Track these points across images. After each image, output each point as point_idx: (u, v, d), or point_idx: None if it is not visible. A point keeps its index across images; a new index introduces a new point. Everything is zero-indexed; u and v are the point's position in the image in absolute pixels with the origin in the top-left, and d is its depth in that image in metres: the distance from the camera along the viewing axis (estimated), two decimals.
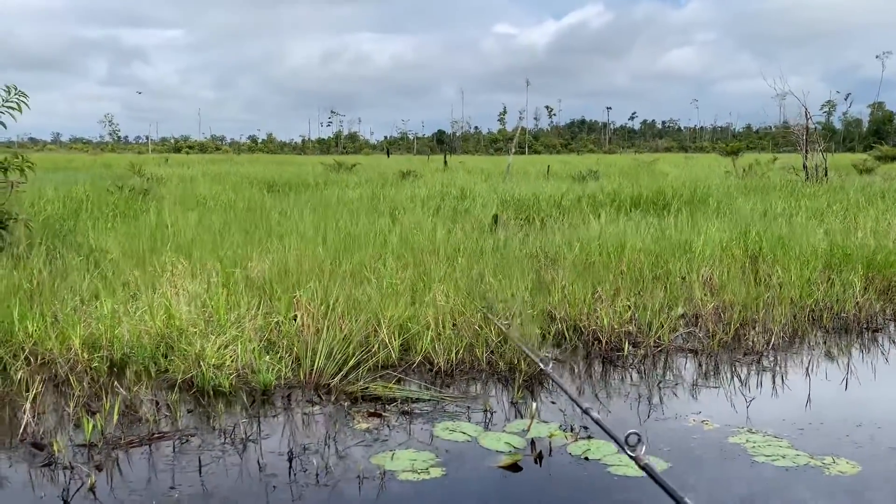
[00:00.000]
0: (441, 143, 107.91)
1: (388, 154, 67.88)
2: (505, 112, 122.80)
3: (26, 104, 7.82)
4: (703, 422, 3.94)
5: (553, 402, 4.23)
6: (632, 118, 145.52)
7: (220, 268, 6.17)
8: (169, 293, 5.35)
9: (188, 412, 4.04)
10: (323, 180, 20.66)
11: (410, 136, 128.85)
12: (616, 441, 1.13)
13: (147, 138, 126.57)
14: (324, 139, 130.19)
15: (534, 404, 3.96)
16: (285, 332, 4.93)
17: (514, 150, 26.92)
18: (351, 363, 4.52)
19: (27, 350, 4.67)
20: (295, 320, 5.09)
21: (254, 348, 4.63)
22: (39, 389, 4.00)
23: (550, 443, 3.63)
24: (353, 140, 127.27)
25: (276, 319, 5.14)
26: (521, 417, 4.00)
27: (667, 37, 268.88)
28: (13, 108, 7.71)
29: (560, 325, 5.45)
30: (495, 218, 11.76)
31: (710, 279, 6.63)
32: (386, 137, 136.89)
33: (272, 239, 7.74)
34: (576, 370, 4.93)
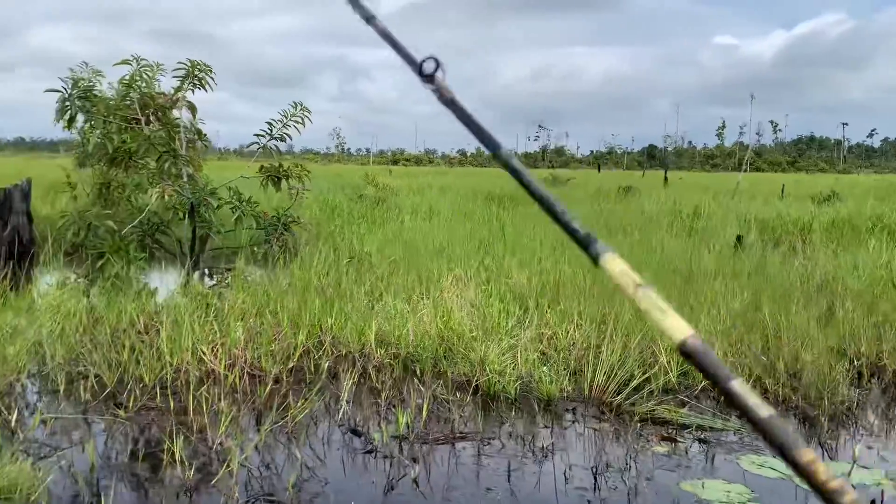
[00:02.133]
0: (652, 157, 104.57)
1: (598, 169, 66.95)
2: (723, 127, 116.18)
3: (309, 119, 8.61)
4: None
5: (869, 448, 3.85)
6: (871, 135, 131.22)
7: (484, 276, 6.39)
8: (446, 298, 5.62)
9: (481, 416, 4.18)
10: None
11: (618, 151, 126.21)
12: (409, 62, 0.76)
13: (368, 151, 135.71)
14: (530, 153, 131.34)
15: (856, 447, 3.63)
16: (561, 346, 4.97)
17: (745, 168, 25.33)
18: (634, 383, 4.44)
19: (326, 343, 5.11)
20: (567, 334, 5.12)
21: (532, 359, 4.71)
22: (354, 380, 4.35)
23: (882, 492, 3.30)
24: (560, 154, 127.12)
25: (548, 332, 5.20)
26: (831, 459, 3.69)
27: None
28: (298, 123, 8.53)
29: (855, 363, 4.97)
30: (739, 238, 11.12)
31: None
32: (592, 152, 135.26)
33: (523, 251, 7.88)
34: (881, 417, 4.46)
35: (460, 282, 6.17)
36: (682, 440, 3.89)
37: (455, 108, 0.81)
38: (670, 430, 4.02)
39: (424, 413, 3.98)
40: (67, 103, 6.99)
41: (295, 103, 8.46)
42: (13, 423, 3.74)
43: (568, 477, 3.42)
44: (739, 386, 0.56)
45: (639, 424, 4.08)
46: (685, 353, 0.58)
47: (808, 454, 0.54)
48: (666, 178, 29.63)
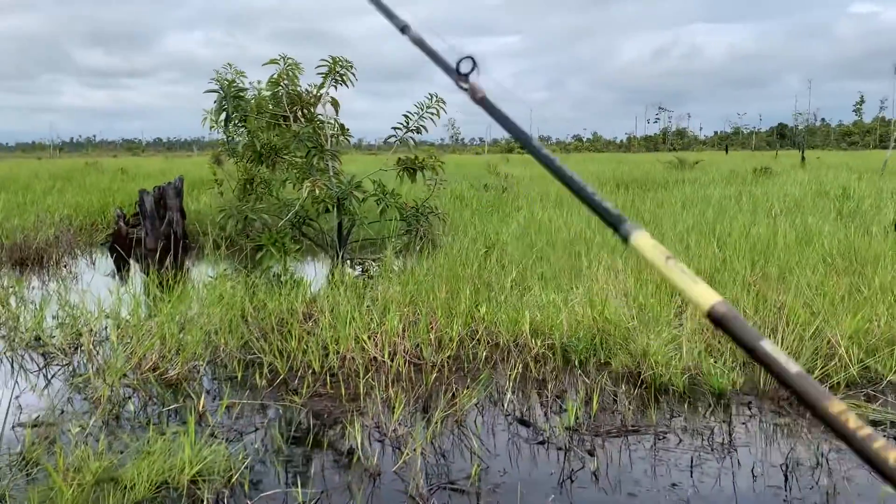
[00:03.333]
0: (782, 137, 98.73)
1: (726, 150, 64.08)
2: (862, 101, 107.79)
3: (443, 109, 8.65)
4: None
5: None
6: None
7: (634, 264, 6.21)
8: (599, 287, 5.50)
9: (650, 408, 4.05)
10: (672, 178, 20.07)
11: (745, 131, 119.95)
12: (444, 66, 0.84)
13: (482, 140, 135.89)
14: (650, 136, 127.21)
15: None
16: (728, 337, 4.74)
17: (893, 145, 23.44)
18: (813, 377, 4.17)
19: (480, 332, 5.12)
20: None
21: (699, 350, 4.52)
22: (518, 370, 4.33)
23: None
24: (681, 136, 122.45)
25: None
26: None
27: None
28: (433, 115, 8.59)
29: None
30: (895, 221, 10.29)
31: None
32: (716, 133, 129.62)
33: (667, 237, 7.61)
34: None
35: (610, 270, 6.03)
36: None
37: (486, 105, 0.85)
38: None
39: (594, 405, 3.89)
40: (224, 103, 7.36)
41: (430, 95, 8.53)
42: (200, 408, 3.97)
43: (756, 474, 3.24)
44: (769, 346, 0.58)
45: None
46: (714, 318, 0.61)
47: (838, 405, 0.55)
48: (803, 158, 27.91)
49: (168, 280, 6.47)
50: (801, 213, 10.05)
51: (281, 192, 8.89)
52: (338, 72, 8.12)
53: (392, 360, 4.64)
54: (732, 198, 13.23)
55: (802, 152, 29.19)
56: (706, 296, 0.63)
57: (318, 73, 8.13)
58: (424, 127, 8.61)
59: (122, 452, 3.36)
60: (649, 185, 17.92)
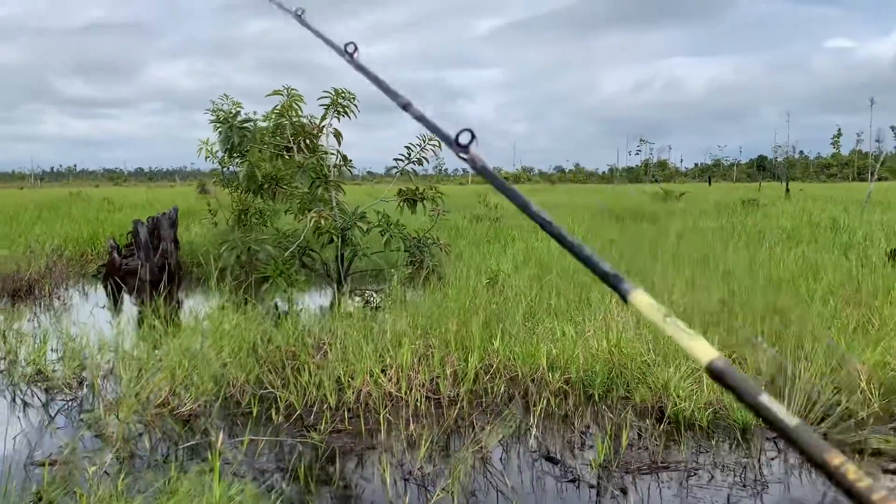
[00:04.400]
0: (762, 169, 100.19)
1: (709, 182, 64.84)
2: (839, 135, 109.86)
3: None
4: None
5: None
6: None
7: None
8: (613, 320, 5.46)
9: (677, 444, 4.00)
10: (662, 210, 20.21)
11: (725, 163, 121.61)
12: (444, 138, 0.87)
13: (465, 171, 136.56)
14: (632, 168, 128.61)
15: None
16: (747, 371, 4.71)
17: (875, 177, 23.82)
18: (838, 411, 4.15)
19: (497, 365, 5.04)
20: (751, 357, 4.86)
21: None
22: (542, 406, 4.27)
23: None
24: (663, 168, 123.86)
25: (732, 354, 4.96)
26: None
27: None
28: (435, 146, 8.61)
29: None
30: (892, 252, 10.41)
31: None
32: (697, 165, 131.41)
33: (674, 268, 7.61)
34: None
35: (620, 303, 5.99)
36: None
37: (487, 173, 0.89)
38: (884, 461, 3.71)
39: (624, 441, 3.83)
40: (231, 133, 7.31)
41: None
42: (219, 445, 3.85)
43: None
44: (768, 400, 0.59)
45: (855, 456, 3.79)
46: (713, 373, 0.62)
47: (837, 458, 0.55)
48: (787, 190, 28.27)
49: (171, 312, 6.35)
50: (797, 245, 10.13)
51: (276, 222, 8.82)
52: (340, 103, 8.12)
53: (409, 395, 4.55)
54: (726, 230, 13.32)
55: (787, 184, 29.59)
56: (705, 351, 0.64)
57: (321, 105, 8.13)
58: (426, 158, 8.63)
59: (144, 493, 3.25)
60: (642, 216, 18.01)
